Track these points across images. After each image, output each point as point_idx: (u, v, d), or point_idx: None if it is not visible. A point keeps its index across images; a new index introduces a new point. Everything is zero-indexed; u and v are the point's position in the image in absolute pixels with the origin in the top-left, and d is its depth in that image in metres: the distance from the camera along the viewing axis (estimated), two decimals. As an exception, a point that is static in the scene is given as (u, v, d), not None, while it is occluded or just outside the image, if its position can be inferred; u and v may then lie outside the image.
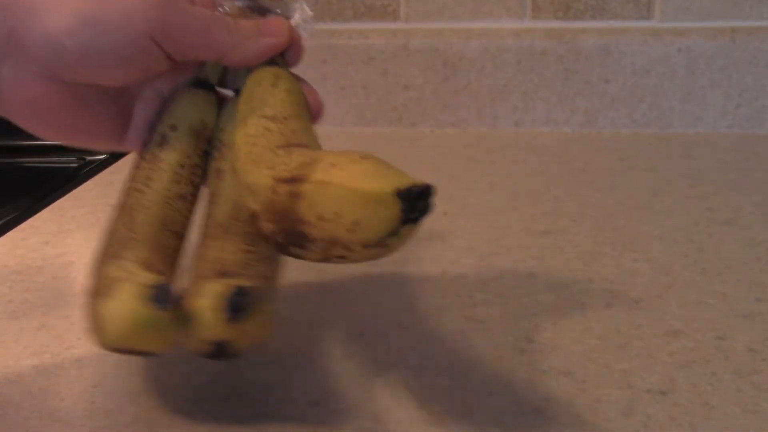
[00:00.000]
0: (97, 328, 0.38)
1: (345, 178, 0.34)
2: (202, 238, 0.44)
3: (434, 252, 0.62)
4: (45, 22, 0.41)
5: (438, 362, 0.47)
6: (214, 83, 0.49)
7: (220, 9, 0.48)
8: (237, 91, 0.48)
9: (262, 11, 0.49)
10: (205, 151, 0.47)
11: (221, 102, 0.49)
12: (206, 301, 0.38)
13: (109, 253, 0.41)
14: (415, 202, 0.35)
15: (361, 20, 1.01)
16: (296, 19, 0.50)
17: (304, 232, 0.35)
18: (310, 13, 0.50)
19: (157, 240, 0.42)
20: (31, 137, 0.46)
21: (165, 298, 0.37)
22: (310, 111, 0.48)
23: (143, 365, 0.47)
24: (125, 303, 0.36)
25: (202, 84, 0.49)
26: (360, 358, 0.48)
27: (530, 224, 0.68)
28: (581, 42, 0.95)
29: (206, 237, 0.43)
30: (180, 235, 0.45)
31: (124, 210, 0.44)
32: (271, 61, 0.48)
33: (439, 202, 0.73)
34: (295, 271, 0.59)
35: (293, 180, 0.36)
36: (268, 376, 0.46)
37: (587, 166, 0.84)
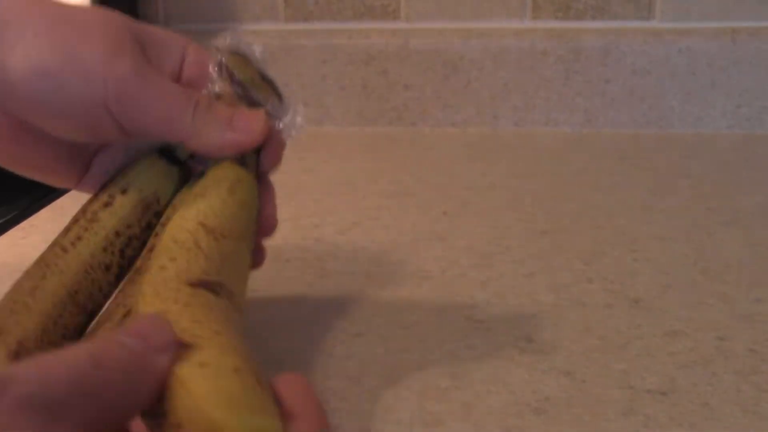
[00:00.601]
0: None
1: (203, 391, 0.29)
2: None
3: (434, 251, 0.62)
4: (6, 58, 0.39)
5: (438, 362, 0.47)
6: (183, 157, 0.46)
7: (209, 85, 0.45)
8: (202, 174, 0.44)
9: (252, 103, 0.45)
10: (149, 224, 0.45)
11: (187, 177, 0.46)
12: None
13: None
14: None
15: (362, 20, 1.01)
16: (285, 121, 0.46)
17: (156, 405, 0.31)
18: (302, 121, 0.46)
19: (54, 314, 0.39)
20: None
21: None
22: (261, 228, 0.45)
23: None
24: None
25: (167, 154, 0.46)
26: (360, 358, 0.48)
27: (530, 224, 0.68)
28: (582, 42, 0.95)
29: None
30: (87, 310, 0.41)
31: (39, 266, 0.41)
32: (242, 159, 0.44)
33: (439, 202, 0.73)
34: (295, 271, 0.59)
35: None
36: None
37: (587, 166, 0.84)
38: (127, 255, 0.43)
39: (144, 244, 0.44)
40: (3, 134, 0.43)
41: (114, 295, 0.42)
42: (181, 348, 0.31)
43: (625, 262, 0.60)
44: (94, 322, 0.41)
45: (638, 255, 0.61)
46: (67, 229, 0.43)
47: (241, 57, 0.46)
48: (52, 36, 0.40)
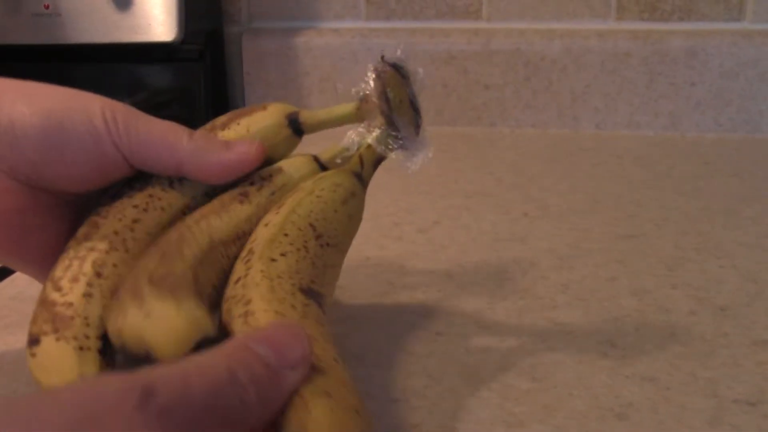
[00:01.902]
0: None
1: (328, 422, 0.30)
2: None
3: (514, 253, 0.62)
4: (10, 112, 0.40)
5: (519, 364, 0.47)
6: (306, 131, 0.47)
7: (361, 85, 0.45)
8: (314, 157, 0.47)
9: (390, 123, 0.45)
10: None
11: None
12: None
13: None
14: None
15: (443, 19, 1.01)
16: (410, 152, 0.46)
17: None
18: (423, 161, 0.46)
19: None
20: None
21: None
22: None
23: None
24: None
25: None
26: (440, 356, 0.48)
27: (612, 227, 0.67)
28: (667, 43, 0.93)
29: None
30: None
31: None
32: (359, 173, 0.45)
33: (519, 203, 0.73)
34: (375, 268, 0.60)
35: None
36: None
37: (670, 170, 0.83)
38: (226, 192, 0.44)
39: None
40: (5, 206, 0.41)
41: (195, 218, 0.41)
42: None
43: (710, 268, 0.59)
44: (176, 239, 0.39)
45: (724, 261, 0.60)
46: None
47: (401, 76, 0.45)
48: (48, 89, 0.42)
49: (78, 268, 0.38)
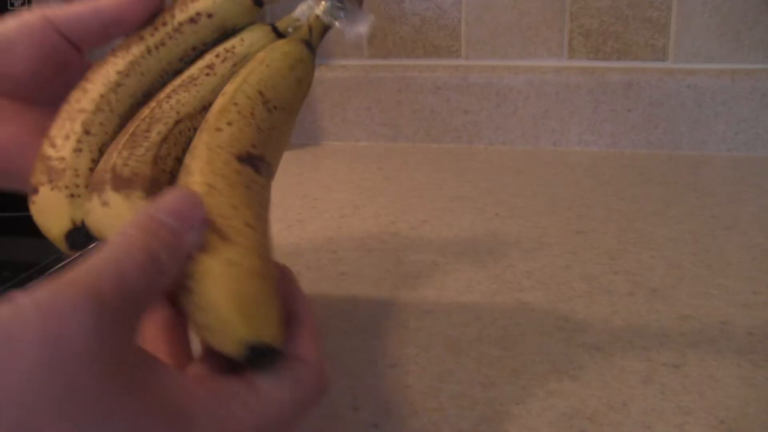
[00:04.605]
0: None
1: (226, 290, 0.28)
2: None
3: (488, 245, 0.62)
4: None
5: (492, 335, 0.47)
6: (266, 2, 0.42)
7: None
8: (272, 26, 0.41)
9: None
10: (217, 43, 0.40)
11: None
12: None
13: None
14: (260, 356, 0.28)
15: (430, 57, 1.01)
16: (353, 24, 0.42)
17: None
18: (364, 32, 0.42)
19: (128, 115, 0.37)
20: None
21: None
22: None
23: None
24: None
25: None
26: (428, 330, 0.48)
27: (566, 225, 0.67)
28: (608, 78, 0.93)
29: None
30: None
31: (125, 59, 0.38)
32: (308, 41, 0.41)
33: (492, 206, 0.73)
34: (376, 259, 0.60)
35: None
36: (353, 343, 0.46)
37: (612, 179, 0.83)
38: (195, 65, 0.40)
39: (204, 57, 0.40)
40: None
41: (167, 93, 0.38)
42: (213, 233, 0.29)
43: (644, 258, 0.59)
44: (147, 116, 0.36)
45: (655, 253, 0.60)
46: (154, 29, 0.39)
47: None
48: None
49: (69, 127, 0.36)
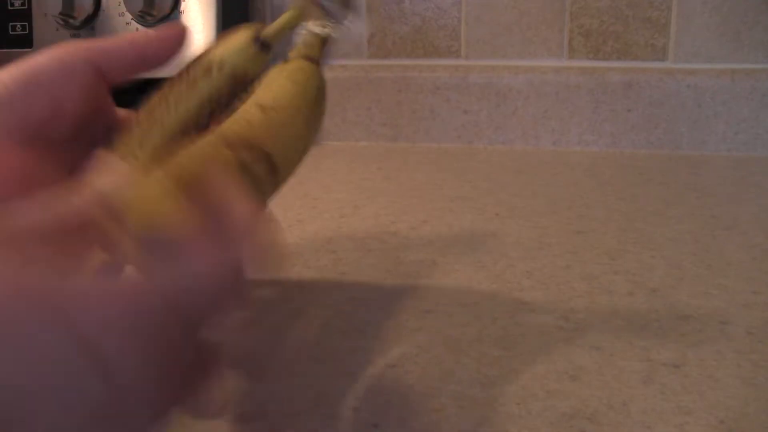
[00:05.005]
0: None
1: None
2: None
3: (488, 245, 0.62)
4: None
5: (492, 335, 0.47)
6: (272, 43, 0.42)
7: None
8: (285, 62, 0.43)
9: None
10: (234, 92, 0.41)
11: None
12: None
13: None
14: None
15: (430, 57, 1.01)
16: (338, 25, 0.44)
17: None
18: (347, 31, 0.44)
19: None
20: None
21: None
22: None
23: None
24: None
25: (259, 42, 0.42)
26: (428, 330, 0.48)
27: (566, 225, 0.67)
28: (608, 78, 0.93)
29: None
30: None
31: (149, 119, 0.38)
32: (312, 57, 0.42)
33: (492, 206, 0.73)
34: (376, 259, 0.59)
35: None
36: (353, 343, 0.46)
37: (612, 179, 0.83)
38: (214, 117, 0.40)
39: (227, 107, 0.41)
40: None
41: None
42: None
43: (644, 258, 0.59)
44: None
45: (654, 253, 0.60)
46: (171, 85, 0.40)
47: None
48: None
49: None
